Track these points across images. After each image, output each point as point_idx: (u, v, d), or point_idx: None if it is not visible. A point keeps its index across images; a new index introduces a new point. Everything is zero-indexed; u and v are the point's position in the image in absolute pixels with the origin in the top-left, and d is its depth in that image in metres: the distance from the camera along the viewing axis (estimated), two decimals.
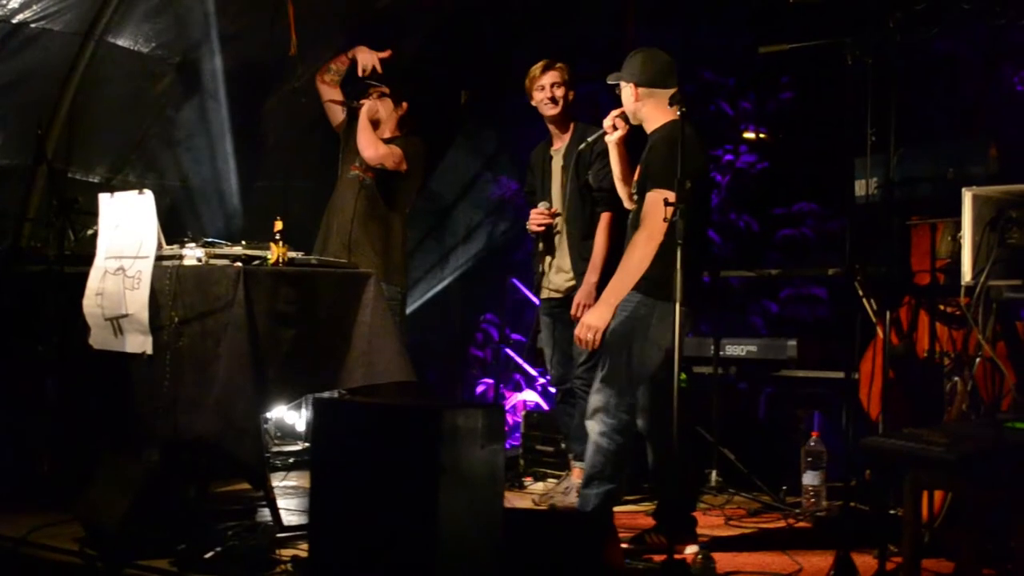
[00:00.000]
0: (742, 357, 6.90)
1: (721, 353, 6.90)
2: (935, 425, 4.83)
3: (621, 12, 8.86)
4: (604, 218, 6.21)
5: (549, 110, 6.43)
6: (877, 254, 5.72)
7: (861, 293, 5.82)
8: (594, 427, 5.19)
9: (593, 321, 5.21)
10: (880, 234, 5.71)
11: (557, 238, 6.40)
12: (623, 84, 5.35)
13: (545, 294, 6.50)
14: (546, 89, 6.40)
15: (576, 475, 6.45)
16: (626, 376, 5.14)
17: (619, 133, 5.50)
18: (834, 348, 6.46)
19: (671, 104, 5.05)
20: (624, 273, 5.17)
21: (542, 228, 6.37)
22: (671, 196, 4.78)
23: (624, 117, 5.44)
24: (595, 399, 5.20)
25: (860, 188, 5.83)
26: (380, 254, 6.75)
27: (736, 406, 7.12)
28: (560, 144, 6.48)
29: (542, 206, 6.38)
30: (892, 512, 5.14)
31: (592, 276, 6.13)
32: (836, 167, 6.02)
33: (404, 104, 6.98)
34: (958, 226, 5.17)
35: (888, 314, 5.39)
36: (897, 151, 5.42)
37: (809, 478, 6.14)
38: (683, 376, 6.70)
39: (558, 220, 6.36)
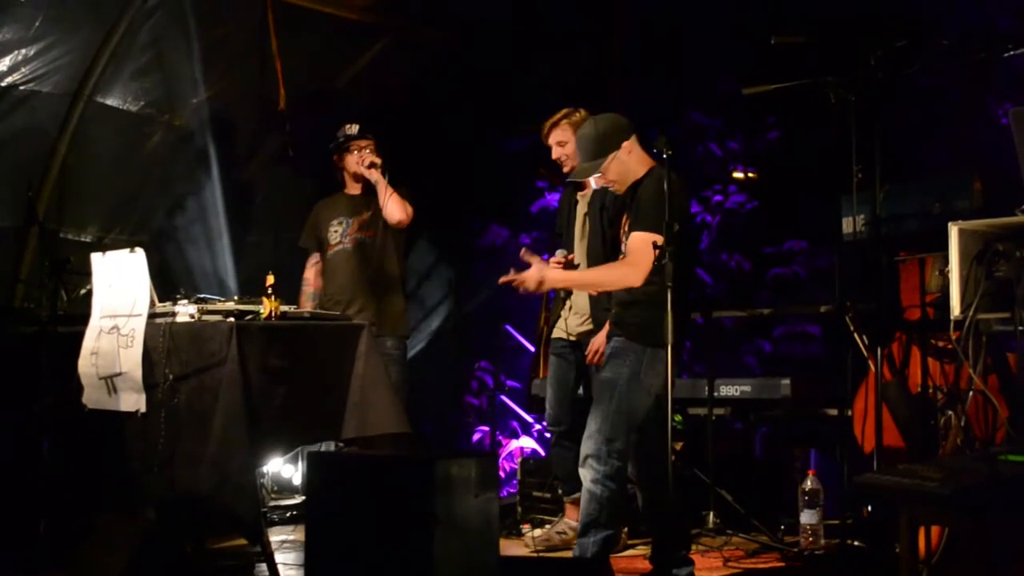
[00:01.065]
0: (736, 397, 6.88)
1: (715, 394, 6.88)
2: (930, 460, 4.83)
3: (607, 58, 8.92)
4: None
5: (563, 168, 6.46)
6: (867, 290, 5.73)
7: (852, 329, 5.83)
8: (586, 475, 5.17)
9: (536, 274, 5.16)
10: (869, 270, 5.73)
11: None
12: (607, 162, 5.26)
13: (557, 334, 6.52)
14: (554, 149, 6.43)
15: (570, 516, 6.47)
16: (616, 423, 5.13)
17: None
18: (828, 386, 6.46)
19: (655, 149, 5.08)
20: (587, 277, 5.19)
21: None
22: (659, 239, 4.82)
23: None
24: (586, 446, 5.18)
25: (847, 225, 5.86)
26: (377, 308, 6.75)
27: (731, 446, 7.09)
28: (586, 190, 6.50)
29: (559, 254, 6.40)
30: (890, 549, 5.14)
31: None
32: (824, 205, 6.04)
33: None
34: (946, 260, 5.18)
35: (880, 350, 5.40)
36: (883, 187, 5.45)
37: (807, 517, 6.12)
38: (678, 418, 6.77)
39: (577, 264, 6.39)
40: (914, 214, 5.70)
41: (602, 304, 6.19)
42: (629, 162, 5.27)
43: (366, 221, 6.89)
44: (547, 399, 6.63)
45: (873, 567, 5.06)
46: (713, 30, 8.30)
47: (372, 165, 6.77)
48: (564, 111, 6.42)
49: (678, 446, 6.65)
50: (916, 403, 5.54)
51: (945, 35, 5.86)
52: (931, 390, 5.49)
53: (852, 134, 5.29)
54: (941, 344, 5.53)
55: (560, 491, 6.73)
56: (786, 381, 6.65)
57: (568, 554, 6.09)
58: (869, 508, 5.68)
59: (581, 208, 6.50)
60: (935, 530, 4.91)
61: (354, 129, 6.91)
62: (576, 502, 6.42)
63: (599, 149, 5.25)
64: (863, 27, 6.15)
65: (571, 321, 6.43)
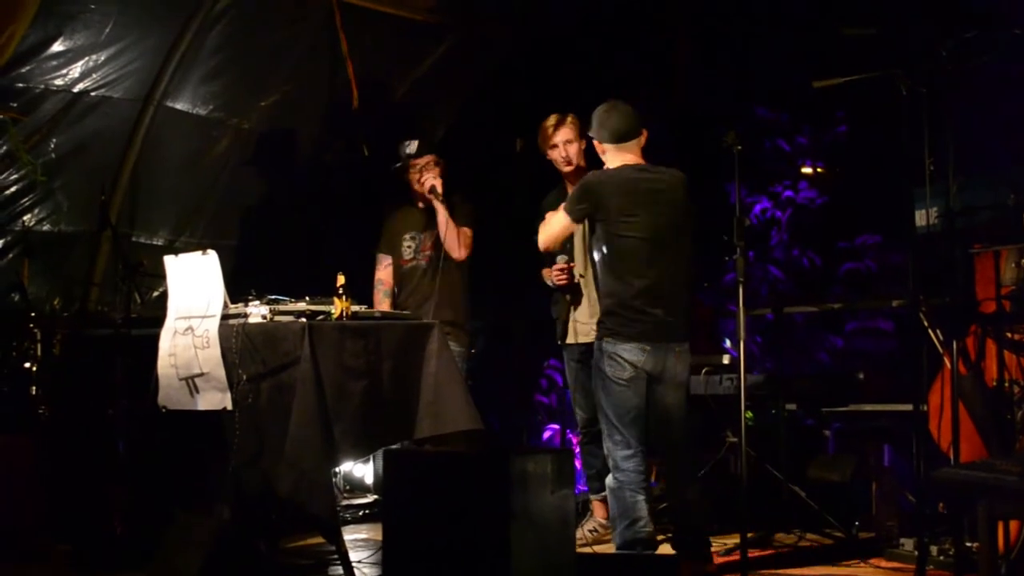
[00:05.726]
0: (808, 393, 6.83)
1: (787, 389, 6.83)
2: (1008, 454, 4.78)
3: (671, 54, 8.89)
4: None
5: (565, 167, 6.50)
6: (941, 284, 5.67)
7: (926, 324, 5.76)
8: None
9: None
10: (943, 263, 5.66)
11: (582, 283, 6.43)
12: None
13: (571, 339, 6.53)
14: (559, 147, 6.47)
15: (598, 513, 6.55)
16: (608, 420, 5.36)
17: None
18: (902, 380, 6.39)
19: (725, 144, 5.14)
20: None
21: (564, 282, 6.40)
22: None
23: None
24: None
25: (920, 218, 5.80)
26: (449, 321, 6.61)
27: (804, 442, 7.04)
28: None
29: (560, 260, 6.38)
30: (968, 544, 5.08)
31: None
32: (896, 198, 5.99)
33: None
34: (1021, 252, 5.13)
35: (955, 344, 5.34)
36: (956, 179, 5.39)
37: (882, 513, 6.07)
38: (749, 414, 6.72)
39: (576, 270, 6.42)
40: (988, 206, 5.63)
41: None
42: (604, 157, 5.67)
43: (438, 237, 6.81)
44: (578, 405, 6.63)
45: (951, 563, 5.00)
46: (778, 24, 8.24)
47: (432, 191, 6.73)
48: (559, 114, 6.53)
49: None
50: (992, 398, 5.47)
51: (1016, 24, 5.79)
52: (1007, 384, 5.42)
53: (924, 126, 5.24)
54: (1017, 337, 5.45)
55: (589, 490, 6.68)
56: (859, 376, 6.60)
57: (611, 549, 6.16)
58: (942, 504, 5.63)
59: None
60: (1014, 524, 4.85)
61: (413, 147, 6.82)
62: (603, 500, 6.47)
63: (597, 130, 5.64)
64: (933, 18, 6.08)
65: (584, 326, 6.41)
